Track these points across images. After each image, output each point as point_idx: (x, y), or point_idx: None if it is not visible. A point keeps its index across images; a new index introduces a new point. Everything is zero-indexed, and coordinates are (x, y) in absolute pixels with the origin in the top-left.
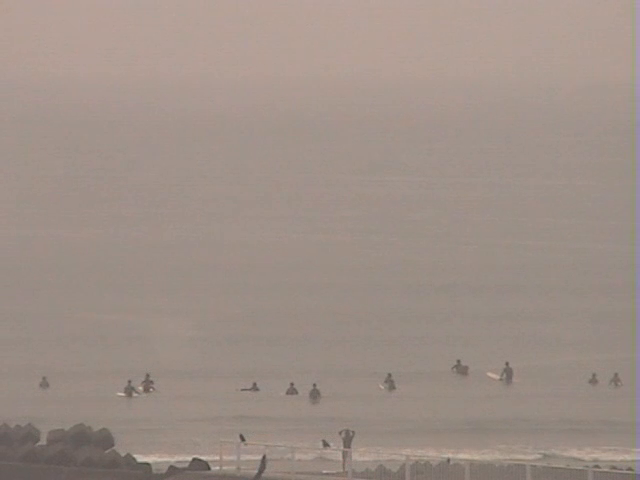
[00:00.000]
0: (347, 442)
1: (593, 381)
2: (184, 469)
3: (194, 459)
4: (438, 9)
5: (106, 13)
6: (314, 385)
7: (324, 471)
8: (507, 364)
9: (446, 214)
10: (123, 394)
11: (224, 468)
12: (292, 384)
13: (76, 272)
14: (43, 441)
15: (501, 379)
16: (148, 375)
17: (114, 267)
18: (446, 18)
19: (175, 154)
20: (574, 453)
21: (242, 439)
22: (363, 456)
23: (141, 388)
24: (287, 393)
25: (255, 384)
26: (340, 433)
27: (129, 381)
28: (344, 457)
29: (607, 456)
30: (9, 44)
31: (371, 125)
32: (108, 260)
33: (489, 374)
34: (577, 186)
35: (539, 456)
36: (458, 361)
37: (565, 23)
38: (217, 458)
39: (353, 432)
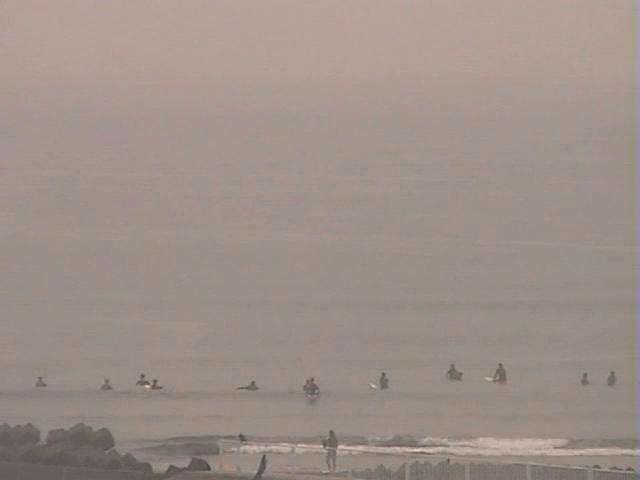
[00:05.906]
0: (332, 441)
1: (585, 381)
2: (184, 469)
3: (194, 459)
4: (439, 9)
5: (106, 13)
6: (314, 387)
7: (324, 471)
8: (500, 365)
9: (444, 215)
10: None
11: (224, 468)
12: (312, 380)
13: (76, 273)
14: (43, 441)
15: (495, 380)
16: (143, 376)
17: (115, 268)
18: (446, 18)
19: (176, 154)
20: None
21: (242, 439)
22: (363, 456)
23: (148, 386)
24: (304, 389)
25: (253, 382)
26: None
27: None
28: (330, 456)
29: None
30: (8, 44)
31: (371, 125)
32: (109, 261)
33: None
34: (576, 186)
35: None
36: (452, 366)
37: (565, 23)
38: (217, 458)
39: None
